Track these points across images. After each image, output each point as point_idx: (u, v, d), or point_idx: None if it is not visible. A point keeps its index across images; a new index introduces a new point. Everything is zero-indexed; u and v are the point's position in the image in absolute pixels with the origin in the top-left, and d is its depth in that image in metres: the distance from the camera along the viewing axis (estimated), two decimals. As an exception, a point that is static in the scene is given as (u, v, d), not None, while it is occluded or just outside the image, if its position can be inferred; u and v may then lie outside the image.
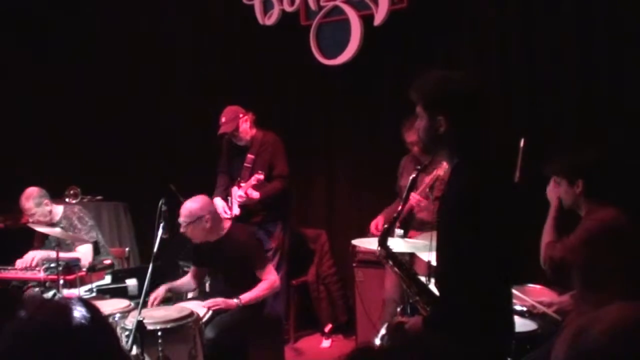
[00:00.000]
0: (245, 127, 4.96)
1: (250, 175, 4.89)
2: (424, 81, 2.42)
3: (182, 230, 4.05)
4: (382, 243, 2.67)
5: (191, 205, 4.04)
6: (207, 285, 4.50)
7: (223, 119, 4.94)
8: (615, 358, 1.10)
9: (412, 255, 3.95)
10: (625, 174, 3.75)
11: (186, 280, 4.40)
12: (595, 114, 4.32)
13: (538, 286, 3.59)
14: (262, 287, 4.09)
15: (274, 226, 5.03)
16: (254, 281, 4.11)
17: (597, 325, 1.14)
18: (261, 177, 4.79)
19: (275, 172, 4.98)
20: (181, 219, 4.02)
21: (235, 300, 3.96)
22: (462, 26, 4.90)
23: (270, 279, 4.13)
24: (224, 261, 4.15)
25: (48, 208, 4.78)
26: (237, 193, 4.91)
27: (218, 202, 5.02)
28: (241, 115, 4.93)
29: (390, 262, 2.65)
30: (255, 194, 4.81)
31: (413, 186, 2.75)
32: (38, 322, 1.35)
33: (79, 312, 1.38)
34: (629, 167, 3.88)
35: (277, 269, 5.04)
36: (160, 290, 4.11)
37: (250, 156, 4.99)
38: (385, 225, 2.71)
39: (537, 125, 4.53)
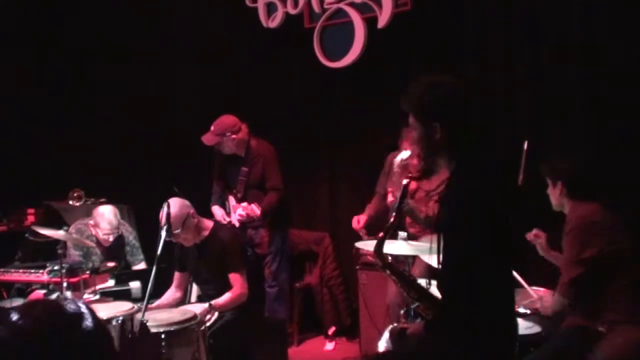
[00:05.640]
0: (230, 145, 4.88)
1: (246, 187, 4.89)
2: (413, 90, 2.38)
3: (175, 239, 3.92)
4: (378, 253, 2.63)
5: (172, 210, 3.77)
6: (194, 294, 4.39)
7: (212, 128, 4.87)
8: None
9: (413, 257, 3.93)
10: (608, 175, 3.93)
11: (169, 296, 4.18)
12: (599, 116, 4.31)
13: (541, 289, 3.57)
14: (227, 297, 3.94)
15: (273, 230, 5.01)
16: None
17: None
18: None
19: (268, 184, 4.92)
20: (173, 230, 3.79)
21: (206, 306, 3.83)
22: (466, 28, 4.89)
23: (235, 291, 3.96)
24: (207, 263, 4.07)
25: None
26: (238, 212, 4.86)
27: (216, 210, 5.03)
28: (228, 134, 4.84)
29: (388, 272, 2.64)
30: (258, 211, 4.77)
31: (405, 194, 2.71)
32: (30, 320, 1.34)
33: (72, 310, 1.36)
34: (613, 168, 4.04)
35: (279, 272, 5.03)
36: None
37: (244, 169, 4.94)
38: (381, 235, 2.68)
39: (541, 127, 4.52)
